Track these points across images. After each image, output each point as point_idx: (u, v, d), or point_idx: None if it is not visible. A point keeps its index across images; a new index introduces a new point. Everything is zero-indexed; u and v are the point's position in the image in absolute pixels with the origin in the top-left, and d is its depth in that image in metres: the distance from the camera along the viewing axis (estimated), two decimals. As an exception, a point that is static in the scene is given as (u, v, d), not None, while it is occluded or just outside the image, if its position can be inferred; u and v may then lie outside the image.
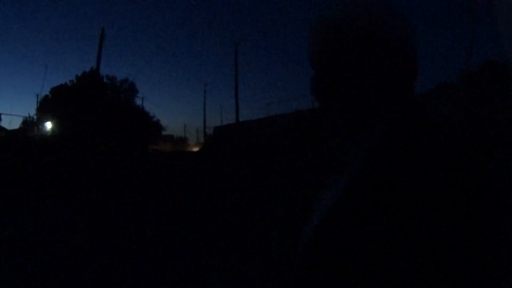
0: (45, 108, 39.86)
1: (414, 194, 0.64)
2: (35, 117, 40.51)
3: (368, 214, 0.68)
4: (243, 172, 18.23)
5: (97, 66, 28.40)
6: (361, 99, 0.77)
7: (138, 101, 46.70)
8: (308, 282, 0.78)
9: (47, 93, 42.28)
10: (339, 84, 0.78)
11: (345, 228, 0.71)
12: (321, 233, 0.77)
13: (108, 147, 29.34)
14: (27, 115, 40.54)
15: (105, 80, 42.28)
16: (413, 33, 0.79)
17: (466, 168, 0.65)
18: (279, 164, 20.48)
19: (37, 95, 41.56)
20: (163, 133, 48.63)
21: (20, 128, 39.07)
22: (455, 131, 0.72)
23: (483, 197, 0.65)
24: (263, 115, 44.75)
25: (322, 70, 0.80)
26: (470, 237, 0.63)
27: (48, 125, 32.34)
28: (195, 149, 56.34)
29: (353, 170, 0.77)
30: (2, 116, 42.84)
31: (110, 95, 41.00)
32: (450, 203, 0.62)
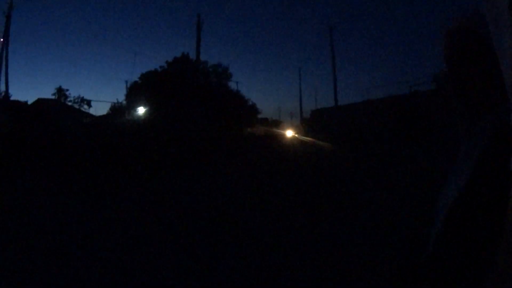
0: (135, 93, 37.90)
1: None
2: (123, 102, 38.16)
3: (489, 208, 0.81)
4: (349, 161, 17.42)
5: (197, 53, 28.69)
6: (483, 94, 0.98)
7: (232, 86, 43.54)
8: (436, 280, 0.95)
9: (137, 79, 40.23)
10: (471, 81, 1.00)
11: (469, 228, 0.86)
12: (445, 237, 0.93)
13: (207, 131, 26.86)
14: (115, 101, 38.24)
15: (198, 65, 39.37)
16: None
17: None
18: (385, 153, 19.71)
19: (126, 81, 39.26)
20: (258, 116, 46.51)
21: (107, 114, 37.06)
22: None
23: None
24: (360, 99, 45.78)
25: (456, 69, 1.03)
26: None
27: (140, 110, 29.39)
28: (291, 132, 54.02)
29: (473, 164, 0.92)
30: (93, 103, 41.13)
31: (202, 80, 38.05)
32: None
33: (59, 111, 27.31)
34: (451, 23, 1.07)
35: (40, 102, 29.98)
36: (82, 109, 36.48)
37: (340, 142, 29.36)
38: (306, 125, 47.47)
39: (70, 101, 35.87)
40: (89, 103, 37.00)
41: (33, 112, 23.48)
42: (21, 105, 24.77)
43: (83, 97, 38.77)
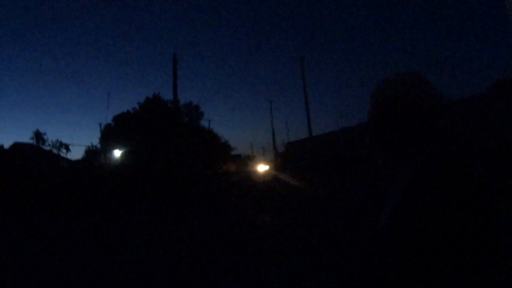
0: (108, 136, 38.35)
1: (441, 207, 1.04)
2: (98, 146, 38.62)
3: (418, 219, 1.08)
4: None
5: (174, 92, 28.85)
6: (401, 139, 1.25)
7: (205, 123, 44.40)
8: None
9: (110, 121, 40.80)
10: (388, 131, 1.27)
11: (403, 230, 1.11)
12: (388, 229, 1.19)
13: (179, 170, 27.35)
14: (89, 145, 38.63)
15: (169, 105, 40.40)
16: (437, 96, 1.26)
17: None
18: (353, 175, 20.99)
19: (100, 124, 39.85)
20: (232, 153, 46.84)
21: (83, 158, 37.36)
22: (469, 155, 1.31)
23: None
24: (336, 128, 45.29)
25: (377, 122, 1.29)
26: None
27: (116, 153, 30.04)
28: (264, 166, 54.56)
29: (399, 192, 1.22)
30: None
31: (175, 119, 38.87)
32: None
33: (36, 156, 27.76)
34: (376, 85, 1.33)
35: (16, 146, 30.37)
36: (60, 153, 36.68)
37: (314, 175, 29.64)
38: (281, 158, 47.87)
39: (48, 145, 36.07)
40: (67, 147, 37.30)
41: (10, 157, 23.85)
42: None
43: (61, 141, 39.01)
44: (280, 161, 45.82)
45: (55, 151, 36.63)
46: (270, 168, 51.35)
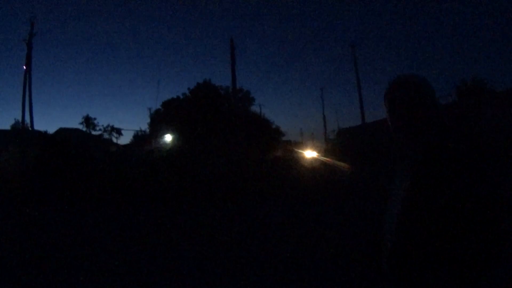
0: (157, 122, 37.54)
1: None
2: (146, 131, 37.69)
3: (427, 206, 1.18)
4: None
5: (233, 77, 26.79)
6: (410, 132, 1.40)
7: (255, 109, 42.86)
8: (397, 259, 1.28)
9: (159, 107, 39.97)
10: (403, 125, 1.42)
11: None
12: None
13: (233, 158, 25.97)
14: (138, 130, 37.66)
15: (220, 91, 39.24)
16: (433, 94, 1.46)
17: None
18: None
19: (150, 109, 38.82)
20: (282, 138, 45.88)
21: (132, 143, 36.56)
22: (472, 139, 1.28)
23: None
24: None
25: (392, 113, 1.47)
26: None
27: (167, 138, 28.81)
28: (310, 152, 52.75)
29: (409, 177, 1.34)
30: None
31: (226, 105, 37.63)
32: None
33: (82, 141, 26.76)
34: (391, 81, 1.50)
35: (62, 131, 29.54)
36: (112, 137, 35.81)
37: (364, 162, 28.37)
38: (332, 145, 46.26)
39: (99, 130, 35.08)
40: (119, 132, 36.31)
41: (57, 142, 22.90)
42: (43, 135, 24.22)
43: (113, 125, 38.12)
44: (331, 148, 44.01)
45: (106, 135, 35.63)
46: (318, 154, 49.62)
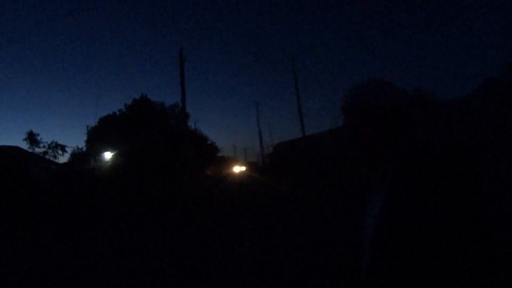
0: (94, 139, 37.72)
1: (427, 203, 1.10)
2: (83, 149, 37.84)
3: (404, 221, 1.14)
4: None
5: (182, 93, 26.99)
6: (377, 144, 1.35)
7: (190, 125, 43.78)
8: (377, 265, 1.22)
9: (96, 123, 40.09)
10: (362, 137, 1.37)
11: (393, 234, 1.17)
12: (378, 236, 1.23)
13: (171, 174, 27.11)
14: (75, 147, 37.53)
15: (156, 107, 40.06)
16: (407, 101, 1.35)
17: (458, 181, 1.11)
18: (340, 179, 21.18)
19: (87, 126, 38.99)
20: (218, 154, 45.82)
21: (69, 161, 36.61)
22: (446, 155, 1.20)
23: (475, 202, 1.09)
24: (327, 129, 42.37)
25: (354, 127, 1.38)
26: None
27: (107, 156, 29.51)
28: (238, 167, 53.95)
29: (384, 192, 1.28)
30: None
31: (162, 122, 38.41)
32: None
33: (22, 159, 26.92)
34: (345, 95, 1.43)
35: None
36: (57, 154, 35.32)
37: (300, 177, 29.31)
38: (269, 159, 46.87)
39: (43, 146, 34.42)
40: (63, 149, 35.90)
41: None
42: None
43: (57, 142, 37.12)
44: (268, 162, 44.82)
45: (50, 152, 34.97)
46: (247, 170, 50.69)
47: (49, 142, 36.10)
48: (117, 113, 40.77)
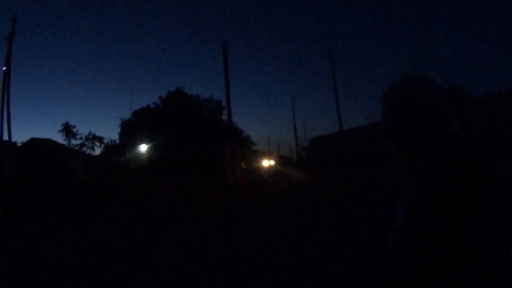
0: (128, 132, 37.02)
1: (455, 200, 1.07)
2: (117, 141, 37.08)
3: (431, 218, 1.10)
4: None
5: (227, 83, 25.24)
6: (413, 136, 1.31)
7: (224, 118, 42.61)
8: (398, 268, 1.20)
9: (130, 116, 39.46)
10: (400, 130, 1.33)
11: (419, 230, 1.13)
12: (402, 234, 1.20)
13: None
14: (108, 140, 36.76)
15: (193, 99, 39.38)
16: (444, 95, 1.34)
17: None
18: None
19: (121, 119, 38.22)
20: (253, 148, 45.51)
21: (102, 154, 35.81)
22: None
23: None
24: (363, 124, 41.69)
25: (389, 122, 1.35)
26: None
27: (143, 148, 28.48)
28: (267, 161, 53.11)
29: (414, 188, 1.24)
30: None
31: (197, 115, 37.41)
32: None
33: (53, 152, 26.08)
34: (387, 86, 1.38)
35: (32, 142, 28.66)
36: (95, 146, 34.50)
37: (335, 171, 28.67)
38: (306, 153, 46.10)
39: (80, 138, 33.67)
40: (101, 140, 35.08)
41: (24, 155, 22.24)
42: (12, 146, 23.47)
43: (94, 133, 36.43)
44: (305, 156, 43.75)
45: (88, 144, 34.13)
46: (278, 163, 50.32)
47: (86, 134, 35.48)
48: (152, 105, 40.11)
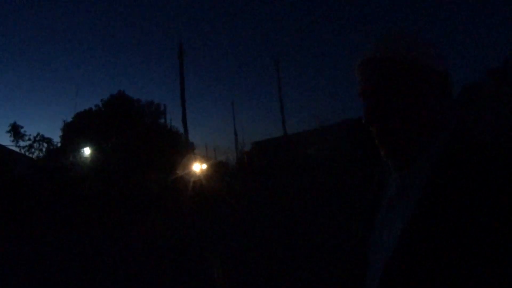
0: (69, 135, 37.39)
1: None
2: (58, 144, 37.42)
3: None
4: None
5: (181, 85, 25.44)
6: (407, 121, 0.93)
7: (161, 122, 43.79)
8: None
9: (72, 119, 39.83)
10: (390, 111, 0.95)
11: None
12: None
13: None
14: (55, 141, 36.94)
15: (135, 103, 40.39)
16: (445, 56, 0.97)
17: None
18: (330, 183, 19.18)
19: (64, 121, 38.61)
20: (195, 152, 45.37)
21: (43, 157, 36.06)
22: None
23: None
24: (306, 129, 40.85)
25: (374, 101, 0.97)
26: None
27: (86, 151, 29.52)
28: (201, 166, 53.83)
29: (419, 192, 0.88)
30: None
31: (136, 118, 38.56)
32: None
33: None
34: (365, 51, 1.00)
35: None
36: (42, 147, 34.37)
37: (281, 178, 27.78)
38: (247, 158, 46.03)
39: (29, 139, 33.46)
40: (50, 142, 34.95)
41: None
42: None
43: (43, 135, 35.79)
44: (246, 161, 44.57)
45: (37, 145, 33.92)
46: (211, 169, 50.52)
47: (34, 135, 34.87)
48: (94, 108, 40.66)
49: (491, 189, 0.73)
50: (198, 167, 51.72)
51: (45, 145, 34.93)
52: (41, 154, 35.81)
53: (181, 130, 50.67)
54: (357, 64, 1.04)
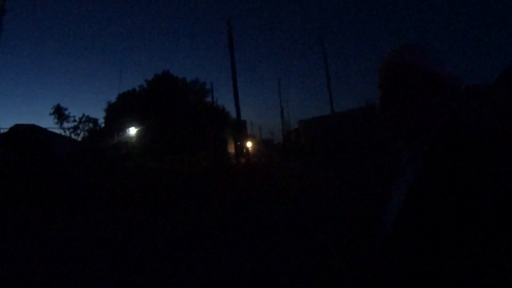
0: (113, 115, 36.40)
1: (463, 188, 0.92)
2: (102, 125, 36.35)
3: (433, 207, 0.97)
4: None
5: (232, 62, 23.39)
6: (412, 110, 1.15)
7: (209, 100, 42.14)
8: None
9: (115, 100, 39.01)
10: (403, 104, 1.16)
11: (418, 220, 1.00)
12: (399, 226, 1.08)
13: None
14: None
15: (179, 81, 38.98)
16: (448, 67, 1.18)
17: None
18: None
19: (108, 102, 37.61)
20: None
21: (86, 137, 34.93)
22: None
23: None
24: (353, 107, 40.39)
25: (389, 95, 1.20)
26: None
27: (132, 131, 28.99)
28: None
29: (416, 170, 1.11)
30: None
31: (180, 97, 37.03)
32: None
33: (38, 139, 25.27)
34: (385, 56, 1.24)
35: (16, 128, 27.59)
36: (88, 128, 33.61)
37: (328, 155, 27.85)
38: (295, 137, 45.41)
39: (74, 121, 32.73)
40: (96, 122, 34.19)
41: (11, 141, 21.57)
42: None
43: (88, 115, 35.26)
44: (294, 139, 43.40)
45: (83, 127, 33.19)
46: (257, 146, 49.66)
47: (80, 116, 34.58)
48: (137, 89, 39.43)
49: (474, 158, 0.95)
50: (249, 144, 51.17)
51: (91, 125, 34.52)
52: (87, 134, 35.96)
53: (228, 108, 49.76)
54: (380, 65, 1.27)
